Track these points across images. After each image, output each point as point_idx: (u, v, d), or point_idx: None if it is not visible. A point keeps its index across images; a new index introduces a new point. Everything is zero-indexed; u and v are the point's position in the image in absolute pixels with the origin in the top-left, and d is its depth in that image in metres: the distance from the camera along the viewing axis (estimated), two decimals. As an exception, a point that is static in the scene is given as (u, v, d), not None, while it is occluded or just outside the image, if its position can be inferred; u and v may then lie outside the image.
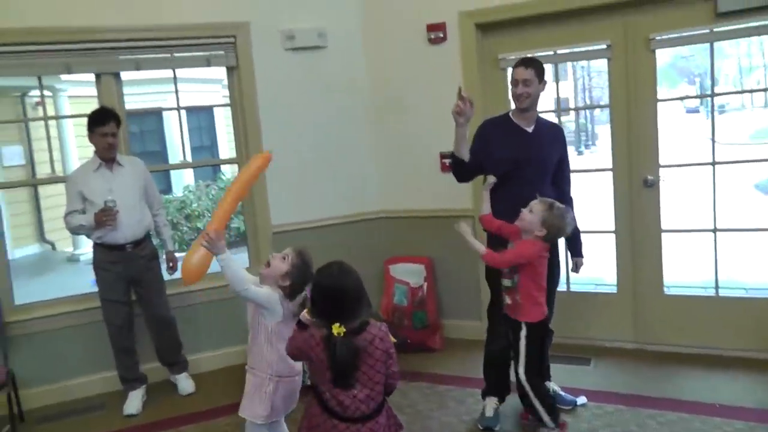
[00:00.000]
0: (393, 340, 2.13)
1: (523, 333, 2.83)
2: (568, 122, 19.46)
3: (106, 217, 3.38)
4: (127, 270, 3.58)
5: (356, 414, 2.05)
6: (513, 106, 3.08)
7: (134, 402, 3.64)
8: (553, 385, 3.30)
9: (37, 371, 3.80)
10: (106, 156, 3.53)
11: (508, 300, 2.88)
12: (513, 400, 3.15)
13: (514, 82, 2.98)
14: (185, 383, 3.84)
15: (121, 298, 3.60)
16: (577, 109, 26.39)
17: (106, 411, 3.69)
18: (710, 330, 3.73)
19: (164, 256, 3.88)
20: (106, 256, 3.55)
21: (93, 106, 3.75)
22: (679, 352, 3.79)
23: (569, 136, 18.58)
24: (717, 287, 3.79)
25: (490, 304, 3.18)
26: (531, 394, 2.88)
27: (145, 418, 3.56)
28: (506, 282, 2.86)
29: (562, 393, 3.29)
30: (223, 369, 4.12)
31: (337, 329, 2.00)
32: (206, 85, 10.63)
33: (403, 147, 4.36)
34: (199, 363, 4.07)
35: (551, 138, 3.11)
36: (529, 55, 3.30)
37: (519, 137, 3.04)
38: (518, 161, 2.97)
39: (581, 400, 3.30)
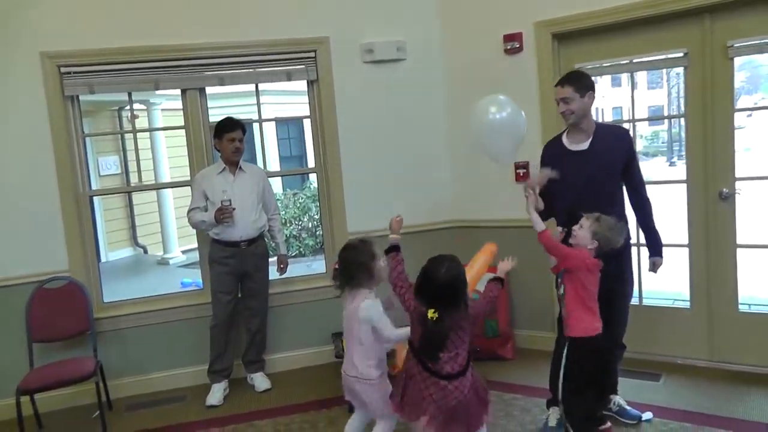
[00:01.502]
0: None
1: (566, 347, 2.84)
2: (662, 131, 18.66)
3: (223, 215, 3.72)
4: (241, 265, 3.90)
5: (442, 372, 2.41)
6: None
7: (217, 394, 3.90)
8: (619, 399, 3.27)
9: (125, 364, 4.14)
10: (232, 159, 3.89)
11: (561, 310, 2.91)
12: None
13: (557, 102, 3.03)
14: (261, 381, 4.07)
15: (231, 291, 3.91)
16: (661, 118, 25.25)
17: (188, 402, 3.98)
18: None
19: (276, 258, 4.18)
20: (222, 251, 3.88)
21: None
22: (753, 372, 3.64)
23: (661, 147, 17.79)
24: (796, 304, 3.62)
25: (558, 314, 3.18)
26: (562, 411, 2.90)
27: (224, 411, 3.80)
28: (558, 290, 2.89)
29: (628, 408, 3.25)
30: (297, 369, 4.32)
31: (431, 314, 2.35)
32: (293, 97, 11.03)
33: (478, 157, 4.36)
34: (275, 363, 4.29)
35: (612, 146, 3.05)
36: (573, 70, 3.31)
37: (570, 158, 3.05)
38: (576, 185, 2.98)
39: (647, 415, 3.25)
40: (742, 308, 3.75)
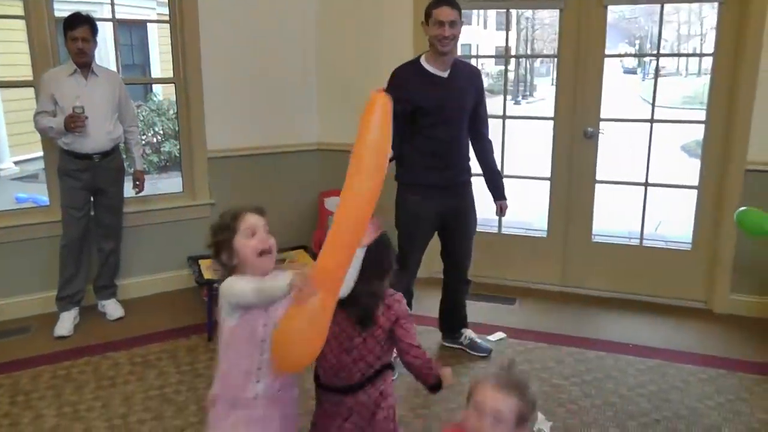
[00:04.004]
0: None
1: None
2: (509, 71, 19.61)
3: (74, 123, 3.32)
4: (94, 180, 3.53)
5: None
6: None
7: (66, 324, 3.54)
8: (469, 333, 3.32)
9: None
10: (78, 61, 3.43)
11: None
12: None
13: (439, 24, 2.79)
14: (114, 308, 3.77)
15: (82, 207, 3.55)
16: (517, 57, 26.72)
17: (33, 333, 3.56)
18: (631, 277, 3.97)
19: (132, 174, 3.81)
20: (73, 164, 3.48)
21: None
22: (601, 296, 4.01)
23: (508, 86, 18.70)
24: (642, 237, 4.01)
25: None
26: None
27: (74, 342, 3.45)
28: None
29: (479, 340, 3.32)
30: (152, 296, 4.04)
31: None
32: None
33: (344, 80, 4.25)
34: (128, 288, 3.97)
35: (468, 81, 3.01)
36: None
37: (434, 85, 2.91)
38: (435, 109, 2.90)
39: (498, 336, 3.45)
40: (595, 239, 4.08)
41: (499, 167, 3.29)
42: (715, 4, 3.64)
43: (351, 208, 1.63)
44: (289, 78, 4.26)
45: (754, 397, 2.87)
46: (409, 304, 3.11)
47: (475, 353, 3.25)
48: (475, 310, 3.56)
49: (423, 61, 2.95)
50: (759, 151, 3.50)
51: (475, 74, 3.10)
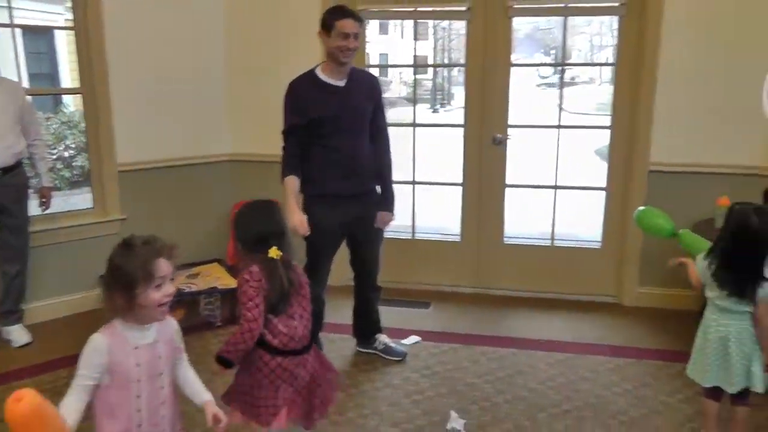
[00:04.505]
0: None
1: None
2: (426, 80, 19.95)
3: None
4: None
5: (298, 346, 2.12)
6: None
7: None
8: (383, 338, 3.37)
9: None
10: None
11: None
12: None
13: (343, 36, 2.81)
14: (19, 334, 3.56)
15: None
16: (435, 66, 27.14)
17: None
18: (543, 276, 4.15)
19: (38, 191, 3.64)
20: None
21: None
22: (514, 296, 4.17)
23: (425, 94, 19.10)
24: (553, 238, 4.19)
25: None
26: None
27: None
28: None
29: (393, 345, 3.35)
30: (61, 319, 3.86)
31: (275, 252, 2.06)
32: (46, 5, 9.57)
33: (254, 91, 4.20)
34: (35, 312, 3.78)
35: (366, 89, 3.03)
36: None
37: (332, 94, 2.91)
38: (333, 119, 2.89)
39: (412, 339, 3.52)
40: (507, 241, 4.23)
41: (392, 176, 3.17)
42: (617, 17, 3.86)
43: None
44: (198, 88, 4.19)
45: (657, 382, 3.07)
46: (321, 312, 3.16)
47: (390, 357, 3.30)
48: (390, 315, 3.62)
49: (319, 71, 2.95)
50: (660, 153, 3.74)
51: (373, 81, 3.15)
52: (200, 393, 1.87)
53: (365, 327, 3.38)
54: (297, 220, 2.83)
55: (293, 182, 2.92)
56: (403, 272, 4.18)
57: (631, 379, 3.09)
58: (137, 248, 1.64)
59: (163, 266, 1.66)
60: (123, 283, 1.63)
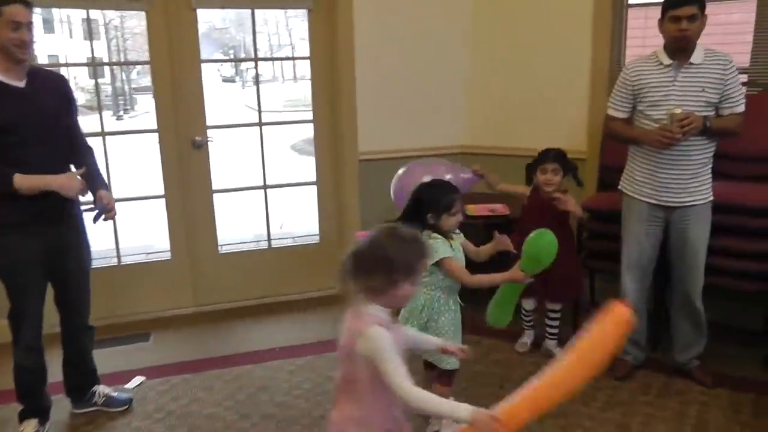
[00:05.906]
0: None
1: None
2: (105, 85, 18.35)
3: None
4: None
5: None
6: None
7: None
8: (103, 389, 2.87)
9: None
10: None
11: None
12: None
13: (15, 26, 2.29)
14: None
15: None
16: (119, 64, 25.11)
17: None
18: (265, 280, 3.97)
19: None
20: None
21: None
22: (239, 306, 3.90)
23: (106, 100, 17.62)
24: (269, 239, 4.05)
25: None
26: None
27: None
28: None
29: (115, 394, 2.88)
30: None
31: None
32: None
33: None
34: None
35: (55, 90, 2.54)
36: None
37: (11, 96, 2.37)
38: (13, 126, 2.34)
39: (136, 381, 3.08)
40: (222, 249, 3.97)
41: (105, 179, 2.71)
42: (304, 12, 3.83)
43: (567, 380, 1.62)
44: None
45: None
46: (39, 364, 2.59)
47: (114, 409, 2.80)
48: (105, 358, 3.09)
49: None
50: (365, 142, 3.88)
51: (62, 81, 2.60)
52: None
53: (80, 379, 2.80)
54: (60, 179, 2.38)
55: None
56: (114, 305, 3.66)
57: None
58: (408, 243, 1.75)
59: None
60: (403, 270, 1.72)
